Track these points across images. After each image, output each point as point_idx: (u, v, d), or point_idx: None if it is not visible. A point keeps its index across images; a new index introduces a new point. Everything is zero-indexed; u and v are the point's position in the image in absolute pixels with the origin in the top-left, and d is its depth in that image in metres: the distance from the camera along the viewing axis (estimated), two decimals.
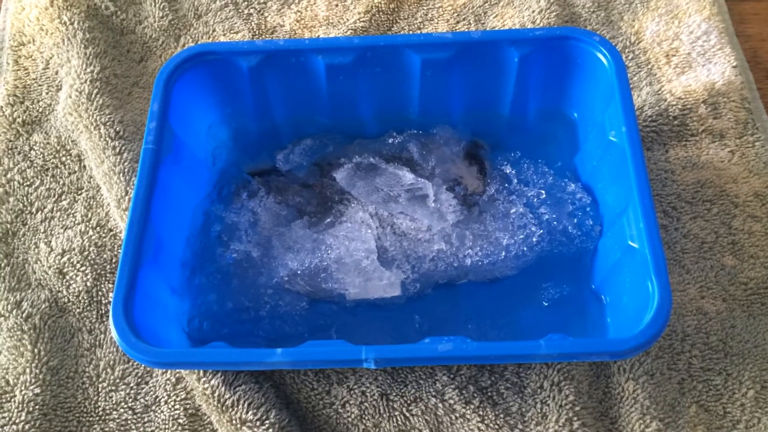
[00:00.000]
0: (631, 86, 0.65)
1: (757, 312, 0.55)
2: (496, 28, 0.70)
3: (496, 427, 0.51)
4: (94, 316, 0.57)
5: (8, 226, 0.61)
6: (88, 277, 0.58)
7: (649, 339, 0.44)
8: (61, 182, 0.64)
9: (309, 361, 0.46)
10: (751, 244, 0.58)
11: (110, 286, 0.58)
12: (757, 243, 0.58)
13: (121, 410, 0.53)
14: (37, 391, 0.53)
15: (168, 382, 0.54)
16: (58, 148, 0.65)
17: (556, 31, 0.56)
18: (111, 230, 0.61)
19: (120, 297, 0.47)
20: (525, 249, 0.54)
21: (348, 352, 0.45)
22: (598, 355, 0.45)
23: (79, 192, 0.63)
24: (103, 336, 0.56)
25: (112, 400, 0.54)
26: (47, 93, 0.68)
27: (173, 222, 0.54)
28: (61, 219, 0.61)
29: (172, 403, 0.53)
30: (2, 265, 0.59)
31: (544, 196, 0.56)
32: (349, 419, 0.52)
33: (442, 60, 0.57)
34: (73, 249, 0.59)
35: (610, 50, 0.54)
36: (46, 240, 0.60)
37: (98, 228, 0.61)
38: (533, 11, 0.70)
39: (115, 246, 0.60)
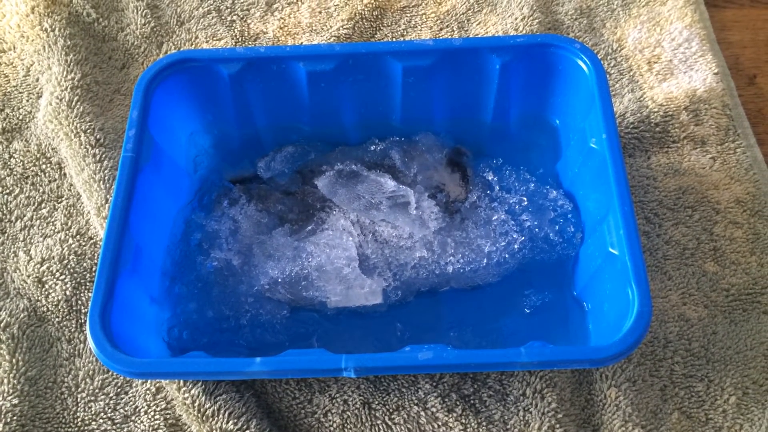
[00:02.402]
0: (612, 93, 0.66)
1: (739, 318, 0.55)
2: (480, 36, 0.70)
3: None
4: (74, 326, 0.56)
5: None
6: (68, 285, 0.57)
7: (628, 347, 0.44)
8: (41, 190, 0.63)
9: (288, 371, 0.45)
10: (732, 250, 0.58)
11: (90, 295, 0.57)
12: (739, 249, 0.58)
13: (101, 420, 0.53)
14: (15, 401, 0.53)
15: (148, 391, 0.53)
16: (38, 155, 0.65)
17: (537, 39, 0.56)
18: (91, 238, 0.60)
19: (97, 306, 0.46)
20: (507, 256, 0.54)
21: (327, 361, 0.44)
22: (577, 362, 0.45)
23: (59, 200, 0.62)
24: (82, 346, 0.55)
25: (91, 411, 0.53)
26: (28, 100, 0.68)
27: (153, 230, 0.54)
28: (40, 227, 0.61)
29: (152, 413, 0.53)
30: None
31: (525, 203, 0.56)
32: (331, 428, 0.52)
33: (423, 67, 0.57)
34: (53, 257, 0.59)
35: (590, 57, 0.55)
36: (25, 248, 0.60)
37: (78, 236, 0.60)
38: (516, 18, 0.70)
39: (96, 254, 0.59)
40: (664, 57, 0.68)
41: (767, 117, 0.67)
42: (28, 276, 0.58)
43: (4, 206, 0.62)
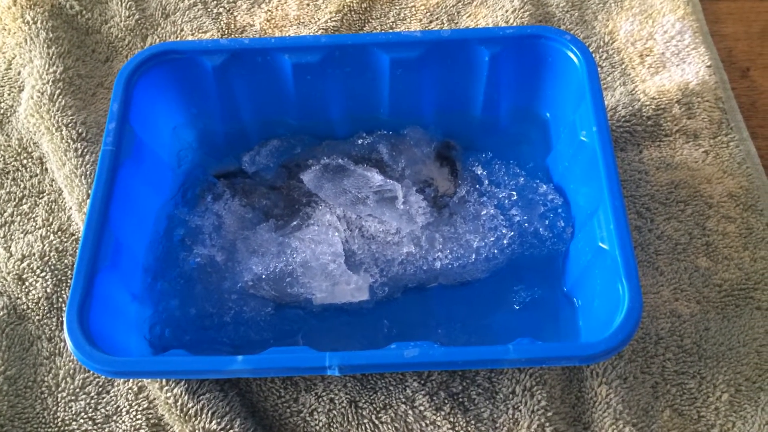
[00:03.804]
0: (604, 86, 0.65)
1: (732, 314, 0.54)
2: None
3: None
4: (54, 324, 0.55)
5: None
6: (49, 283, 0.56)
7: (618, 343, 0.43)
8: (22, 185, 0.62)
9: (270, 369, 0.44)
10: (725, 245, 0.57)
11: None
12: (731, 244, 0.57)
13: (81, 421, 0.52)
14: None
15: (130, 391, 0.52)
16: (19, 150, 0.63)
17: (526, 30, 0.55)
18: (73, 234, 0.59)
19: (75, 303, 0.45)
20: (496, 251, 0.53)
21: (311, 359, 0.43)
22: (566, 359, 0.44)
23: (41, 195, 0.61)
24: (63, 344, 0.54)
25: (72, 411, 0.52)
26: (9, 94, 0.67)
27: (134, 226, 0.52)
28: (21, 223, 0.60)
29: (134, 413, 0.52)
30: None
31: (515, 197, 0.55)
32: (317, 427, 0.51)
33: (411, 59, 0.56)
34: (34, 254, 0.58)
35: (581, 49, 0.54)
36: (5, 245, 0.58)
37: (59, 232, 0.59)
38: (507, 11, 0.69)
39: (77, 251, 0.58)
40: (656, 50, 0.67)
41: (760, 110, 0.66)
42: (8, 273, 0.57)
43: None
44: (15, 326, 0.55)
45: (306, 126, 0.60)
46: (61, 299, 0.56)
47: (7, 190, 0.61)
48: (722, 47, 0.69)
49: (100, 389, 0.53)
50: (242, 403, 0.51)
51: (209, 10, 0.72)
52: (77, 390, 0.53)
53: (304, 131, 0.60)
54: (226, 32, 0.70)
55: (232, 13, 0.72)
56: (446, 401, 0.51)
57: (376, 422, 0.51)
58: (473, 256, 0.53)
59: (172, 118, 0.59)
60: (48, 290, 0.56)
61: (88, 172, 0.59)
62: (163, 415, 0.51)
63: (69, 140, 0.61)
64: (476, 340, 0.52)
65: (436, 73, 0.57)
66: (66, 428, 0.51)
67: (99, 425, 0.51)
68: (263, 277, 0.52)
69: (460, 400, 0.51)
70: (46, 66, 0.65)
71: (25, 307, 0.56)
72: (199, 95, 0.58)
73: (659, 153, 0.61)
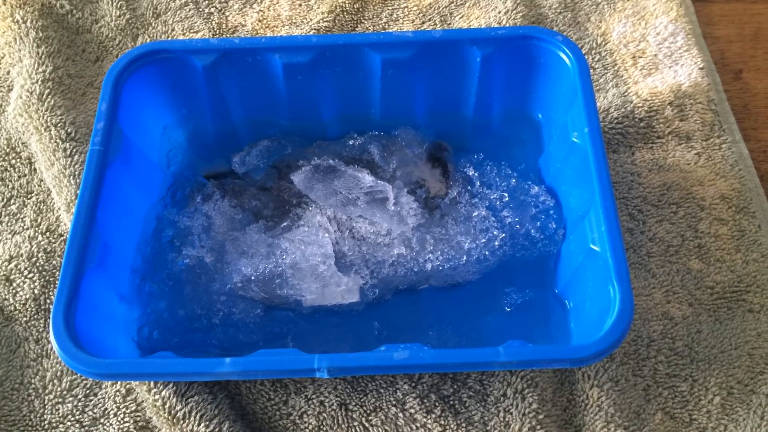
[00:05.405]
0: (597, 88, 0.65)
1: (724, 317, 0.54)
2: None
3: None
4: (42, 325, 0.55)
5: None
6: (36, 284, 0.56)
7: (609, 345, 0.43)
8: (10, 186, 0.61)
9: (259, 371, 0.44)
10: (717, 247, 0.57)
11: None
12: (723, 246, 0.57)
13: (68, 423, 0.51)
14: None
15: (118, 393, 0.52)
16: (7, 150, 0.63)
17: (518, 31, 0.55)
18: (61, 235, 0.58)
19: (61, 305, 0.44)
20: (487, 253, 0.53)
21: (299, 361, 0.43)
22: (557, 362, 0.43)
23: (29, 196, 0.61)
24: (50, 346, 0.54)
25: (59, 413, 0.51)
26: None
27: (122, 226, 0.52)
28: (9, 224, 0.59)
29: (122, 416, 0.51)
30: None
31: (507, 199, 0.55)
32: (307, 430, 0.51)
33: (402, 59, 0.55)
34: (21, 255, 0.57)
35: (573, 50, 0.53)
36: None
37: (48, 233, 0.58)
38: (499, 12, 0.69)
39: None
40: (649, 51, 0.67)
41: (752, 112, 0.66)
42: None
43: None
44: (2, 328, 0.54)
45: (297, 126, 0.60)
46: (48, 300, 0.55)
47: None
48: (715, 49, 0.69)
49: (88, 391, 0.52)
50: (231, 406, 0.51)
51: (200, 10, 0.71)
52: (64, 392, 0.52)
53: (295, 132, 0.60)
54: (217, 32, 0.70)
55: (223, 13, 0.71)
56: (437, 404, 0.51)
57: (367, 425, 0.50)
58: (464, 258, 0.53)
59: (162, 118, 0.58)
60: (36, 291, 0.55)
61: (76, 173, 0.59)
62: (151, 417, 0.51)
63: (58, 140, 0.60)
64: (467, 342, 0.52)
65: (428, 74, 0.57)
66: (53, 431, 0.51)
67: (86, 428, 0.51)
68: (252, 278, 0.52)
69: (451, 402, 0.51)
70: (36, 65, 0.64)
71: (12, 308, 0.55)
72: (189, 95, 0.57)
73: (651, 155, 0.61)
